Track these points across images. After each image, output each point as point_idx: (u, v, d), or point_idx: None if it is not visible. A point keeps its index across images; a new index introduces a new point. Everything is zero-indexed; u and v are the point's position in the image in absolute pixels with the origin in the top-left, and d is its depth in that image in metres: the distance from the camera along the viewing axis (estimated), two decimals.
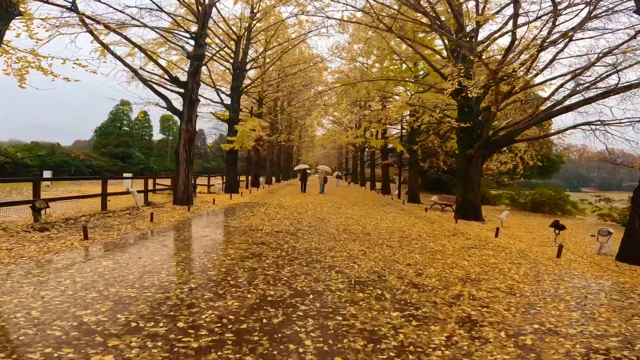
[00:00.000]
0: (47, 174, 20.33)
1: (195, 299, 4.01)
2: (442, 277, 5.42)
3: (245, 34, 21.28)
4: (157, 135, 57.79)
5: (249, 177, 24.25)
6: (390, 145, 29.12)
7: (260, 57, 24.06)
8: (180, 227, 8.51)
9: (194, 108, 12.74)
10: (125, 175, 20.48)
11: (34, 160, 29.86)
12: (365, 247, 7.17)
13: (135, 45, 12.07)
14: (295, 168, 40.70)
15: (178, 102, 13.70)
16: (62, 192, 17.02)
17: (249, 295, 4.22)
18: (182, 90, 12.94)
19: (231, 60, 20.92)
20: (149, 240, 6.97)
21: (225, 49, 21.63)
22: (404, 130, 24.17)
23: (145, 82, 12.44)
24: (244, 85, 21.08)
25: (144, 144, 47.42)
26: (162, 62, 17.38)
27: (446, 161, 22.29)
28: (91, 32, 11.17)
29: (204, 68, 22.29)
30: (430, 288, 4.85)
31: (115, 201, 12.69)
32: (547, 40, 8.45)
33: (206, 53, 15.36)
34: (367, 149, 41.12)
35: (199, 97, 22.02)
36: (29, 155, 30.16)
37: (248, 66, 22.19)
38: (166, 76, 13.26)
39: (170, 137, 59.37)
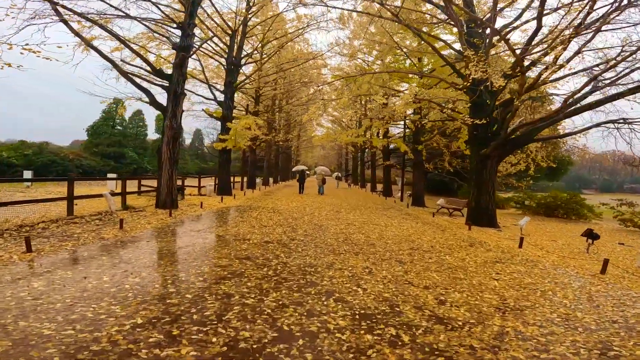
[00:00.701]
0: (27, 174, 19.13)
1: (134, 343, 2.86)
2: (471, 305, 4.26)
3: (241, 27, 20.17)
4: (152, 135, 56.70)
5: (244, 178, 23.04)
6: (392, 146, 27.99)
7: (256, 52, 22.95)
8: (154, 236, 7.33)
9: (179, 103, 11.58)
10: (109, 175, 19.30)
11: (20, 159, 28.66)
12: (371, 263, 5.99)
13: (109, 32, 10.90)
14: (294, 169, 39.54)
15: (163, 97, 12.57)
16: (42, 193, 15.84)
17: (215, 340, 3.06)
18: (167, 84, 11.77)
19: (225, 55, 19.81)
20: (109, 253, 5.78)
21: (219, 43, 20.57)
22: (407, 130, 23.02)
23: (124, 74, 11.27)
24: (238, 81, 19.94)
25: (138, 143, 46.13)
26: (152, 57, 16.36)
27: (451, 162, 21.17)
28: (64, 22, 10.05)
29: (197, 64, 21.27)
30: (460, 323, 3.68)
31: (92, 204, 11.51)
32: (582, 25, 7.30)
33: (195, 44, 14.22)
34: (367, 150, 40.06)
35: (186, 91, 21.15)
36: (15, 154, 28.95)
37: (243, 61, 21.06)
38: (149, 69, 12.09)
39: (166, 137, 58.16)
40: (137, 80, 12.04)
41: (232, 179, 24.97)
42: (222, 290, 4.31)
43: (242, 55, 20.65)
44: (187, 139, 68.11)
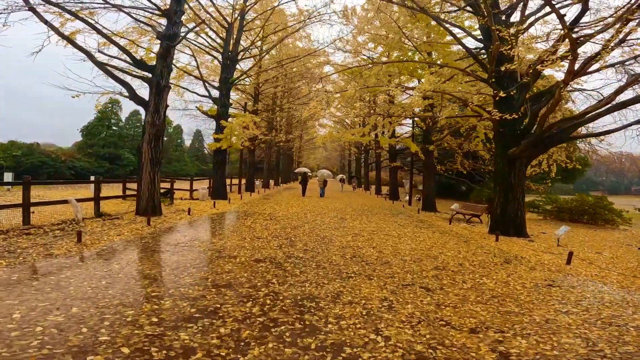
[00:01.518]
0: (7, 176, 17.87)
1: None
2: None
3: (238, 21, 18.92)
4: None
5: (241, 181, 21.72)
6: (398, 146, 26.60)
7: (253, 46, 21.67)
8: (117, 253, 5.97)
9: (162, 97, 10.27)
10: (92, 178, 17.99)
11: (8, 160, 27.49)
12: (390, 292, 4.61)
13: (78, 18, 9.59)
14: (296, 171, 38.26)
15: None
16: (18, 197, 14.55)
17: None
18: (150, 76, 10.48)
19: (221, 50, 18.56)
20: (44, 277, 4.43)
21: (215, 38, 19.33)
22: (416, 129, 21.63)
23: (100, 66, 9.97)
24: (235, 77, 18.65)
25: (135, 144, 45.01)
26: (141, 52, 15.13)
27: (463, 163, 19.75)
28: (32, 9, 8.79)
29: (192, 61, 20.03)
30: None
31: (64, 211, 10.20)
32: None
33: (182, 33, 12.93)
34: (371, 150, 38.66)
35: (181, 89, 19.89)
36: (3, 155, 27.80)
37: (240, 56, 19.78)
38: (130, 60, 10.78)
39: (165, 138, 57.13)
40: (116, 72, 10.77)
41: (229, 181, 23.70)
42: (180, 340, 2.95)
43: (239, 50, 19.41)
44: (187, 140, 67.10)
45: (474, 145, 16.18)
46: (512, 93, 9.41)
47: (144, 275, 4.81)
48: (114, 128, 41.74)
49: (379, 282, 5.01)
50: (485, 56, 11.11)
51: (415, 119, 17.23)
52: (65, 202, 8.25)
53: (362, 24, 19.79)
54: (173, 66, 19.04)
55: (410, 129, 21.26)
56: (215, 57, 19.71)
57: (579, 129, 9.93)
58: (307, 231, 9.00)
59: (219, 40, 19.08)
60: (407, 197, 22.86)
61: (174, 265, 5.37)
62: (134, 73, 11.32)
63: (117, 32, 13.20)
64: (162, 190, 14.32)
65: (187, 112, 27.03)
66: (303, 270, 5.43)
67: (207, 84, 18.73)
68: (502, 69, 9.02)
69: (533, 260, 7.02)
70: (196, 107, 17.52)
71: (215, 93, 18.60)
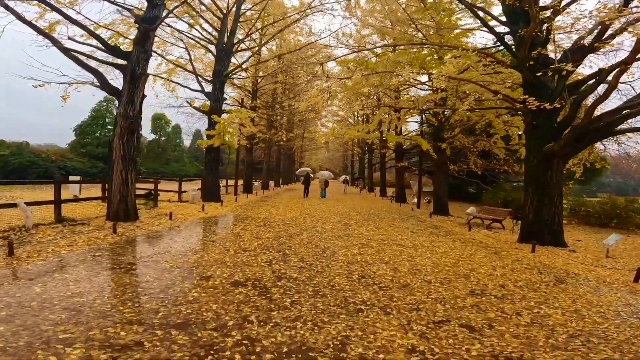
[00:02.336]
0: None
1: None
2: None
3: (234, 10, 17.64)
4: (149, 136, 54.52)
5: (237, 182, 20.36)
6: (405, 145, 25.17)
7: (249, 39, 20.35)
8: (53, 270, 4.60)
9: (138, 85, 8.95)
10: (72, 178, 16.78)
11: None
12: (418, 337, 3.21)
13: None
14: (297, 171, 36.90)
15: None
16: None
17: None
18: (125, 63, 9.15)
19: (215, 42, 17.27)
20: None
21: (210, 29, 18.06)
22: (425, 126, 20.21)
23: (66, 52, 8.64)
24: (230, 70, 17.32)
25: None
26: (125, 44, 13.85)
27: (477, 163, 18.29)
28: None
29: (183, 52, 18.74)
30: None
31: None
32: None
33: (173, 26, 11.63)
34: (375, 150, 37.25)
35: (174, 84, 18.55)
36: None
37: (235, 48, 18.46)
38: (103, 47, 9.45)
39: (163, 138, 55.96)
40: (88, 61, 9.47)
41: (225, 182, 22.36)
42: None
43: (235, 42, 18.09)
44: (187, 140, 65.85)
45: (492, 143, 14.72)
46: (547, 77, 8.01)
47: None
48: (109, 127, 40.50)
49: (400, 319, 3.61)
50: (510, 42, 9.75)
51: (426, 114, 15.80)
52: (14, 205, 6.90)
53: (365, 17, 18.49)
54: (165, 60, 17.97)
55: (418, 127, 19.84)
56: (208, 50, 18.41)
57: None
58: (305, 241, 7.60)
59: (214, 33, 17.81)
60: (416, 200, 21.43)
61: (119, 290, 3.99)
62: (110, 61, 10.00)
63: (98, 22, 11.98)
64: (144, 192, 13.01)
65: (183, 110, 25.75)
66: (296, 299, 4.03)
67: (200, 78, 17.42)
68: (535, 53, 7.66)
69: (591, 277, 5.59)
70: (187, 101, 16.18)
71: (210, 88, 17.30)
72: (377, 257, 6.42)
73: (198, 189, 14.74)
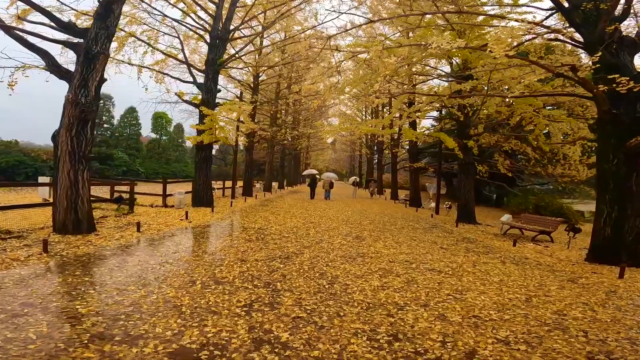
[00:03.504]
0: None
1: None
2: None
3: None
4: (149, 134, 53.02)
5: (235, 184, 18.53)
6: (420, 144, 23.11)
7: (247, 25, 18.50)
8: None
9: (94, 67, 7.12)
10: (41, 179, 15.12)
11: None
12: None
13: None
14: (304, 173, 35.07)
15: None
16: None
17: None
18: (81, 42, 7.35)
19: (209, 28, 15.47)
20: None
21: (202, 14, 16.27)
22: (443, 122, 18.17)
23: (7, 30, 6.85)
24: (224, 58, 15.48)
25: (131, 143, 42.39)
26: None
27: (504, 164, 16.20)
28: None
29: (173, 40, 16.94)
30: None
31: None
32: None
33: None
34: (386, 150, 35.24)
35: (166, 77, 16.73)
36: None
37: (232, 35, 16.61)
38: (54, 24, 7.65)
39: (164, 137, 54.48)
40: (36, 40, 7.66)
41: (222, 184, 20.57)
42: None
43: (231, 29, 16.26)
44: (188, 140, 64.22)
45: (533, 140, 12.66)
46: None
47: None
48: (106, 125, 39.12)
49: None
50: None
51: (449, 107, 13.77)
52: None
53: (376, 5, 16.58)
54: (152, 47, 16.12)
55: (438, 123, 17.81)
56: (202, 37, 16.60)
57: None
58: (306, 266, 5.69)
59: (210, 20, 16.00)
60: (433, 204, 19.38)
61: None
62: (62, 40, 8.18)
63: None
64: (117, 195, 11.24)
65: (178, 107, 24.05)
66: None
67: (193, 69, 15.61)
68: (611, 29, 5.69)
69: None
70: (175, 93, 14.36)
71: (201, 78, 15.49)
72: (409, 294, 4.48)
73: (186, 193, 12.88)
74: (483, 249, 8.19)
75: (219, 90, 15.54)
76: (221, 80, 24.84)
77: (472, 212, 13.52)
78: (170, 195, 12.57)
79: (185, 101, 14.33)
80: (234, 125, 16.91)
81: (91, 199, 10.90)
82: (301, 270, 5.39)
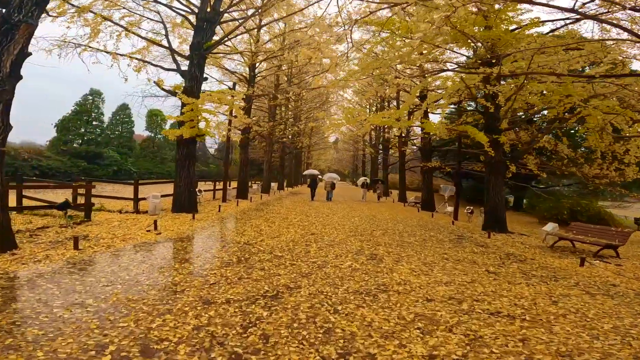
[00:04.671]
0: None
1: None
2: None
3: None
4: (143, 132, 51.20)
5: (227, 185, 16.58)
6: (435, 141, 21.06)
7: (236, 6, 16.54)
8: None
9: (12, 38, 5.21)
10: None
11: None
12: None
13: None
14: (304, 173, 33.16)
15: None
16: None
17: None
18: None
19: (196, 10, 13.51)
20: None
21: None
22: (465, 115, 16.15)
23: None
24: (212, 42, 13.49)
25: (123, 142, 40.52)
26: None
27: (537, 163, 14.18)
28: None
29: (157, 26, 14.96)
30: None
31: None
32: None
33: None
34: (393, 148, 33.22)
35: (151, 66, 14.74)
36: None
37: (222, 18, 14.63)
38: None
39: (159, 136, 52.58)
40: None
41: (212, 186, 18.62)
42: None
43: (221, 10, 14.29)
44: None
45: (600, 136, 10.69)
46: None
47: None
48: (95, 123, 37.22)
49: None
50: None
51: (479, 97, 11.77)
52: None
53: None
54: (126, 30, 14.04)
55: (444, 119, 15.81)
56: (187, 19, 14.61)
57: None
58: (303, 314, 3.71)
59: (196, 2, 14.03)
60: (448, 208, 17.38)
61: None
62: None
63: None
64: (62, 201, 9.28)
65: (169, 101, 22.09)
66: None
67: (176, 55, 13.63)
68: None
69: None
70: (154, 82, 12.37)
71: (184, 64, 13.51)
72: None
73: (162, 196, 10.90)
74: (543, 271, 6.19)
75: (206, 79, 13.57)
76: (215, 73, 23.02)
77: (502, 219, 11.51)
78: (144, 199, 10.60)
79: (164, 89, 12.34)
80: (223, 118, 14.99)
81: (39, 204, 8.93)
82: (295, 325, 3.42)
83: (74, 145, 33.78)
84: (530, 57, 9.12)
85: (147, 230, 7.71)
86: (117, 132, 40.49)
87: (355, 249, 7.26)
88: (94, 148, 34.68)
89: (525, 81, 10.12)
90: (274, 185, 29.54)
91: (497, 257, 7.33)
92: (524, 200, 24.73)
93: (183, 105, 11.07)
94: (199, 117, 10.76)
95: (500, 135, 11.15)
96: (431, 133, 13.19)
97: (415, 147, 34.47)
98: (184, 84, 12.34)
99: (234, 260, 5.77)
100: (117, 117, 40.86)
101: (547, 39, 9.60)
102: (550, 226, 9.84)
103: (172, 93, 11.76)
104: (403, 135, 27.16)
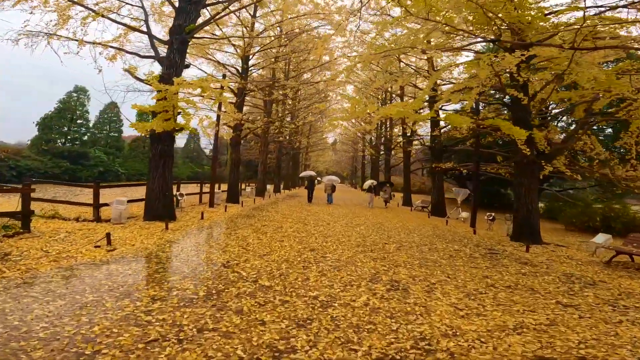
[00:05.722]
0: None
1: None
2: None
3: None
4: (132, 132, 49.37)
5: (214, 188, 14.84)
6: (439, 140, 19.37)
7: None
8: None
9: None
10: None
11: None
12: None
13: None
14: (302, 174, 31.48)
15: None
16: None
17: None
18: None
19: None
20: None
21: None
22: (486, 108, 14.49)
23: None
24: (195, 25, 11.75)
25: (111, 141, 38.67)
26: None
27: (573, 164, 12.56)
28: None
29: (135, 10, 13.21)
30: None
31: None
32: None
33: None
34: (395, 148, 31.59)
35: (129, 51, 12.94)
36: None
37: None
38: None
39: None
40: None
41: (199, 188, 16.85)
42: None
43: None
44: (181, 139, 60.91)
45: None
46: None
47: None
48: (80, 121, 35.33)
49: None
50: None
51: (508, 88, 10.10)
52: None
53: None
54: (94, 12, 12.17)
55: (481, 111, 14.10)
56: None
57: None
58: None
59: None
60: (463, 214, 15.72)
61: None
62: None
63: None
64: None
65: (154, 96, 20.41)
66: None
67: (155, 41, 11.85)
68: None
69: None
70: (126, 69, 10.57)
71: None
72: None
73: (128, 201, 9.10)
74: (631, 299, 4.51)
75: (188, 66, 11.79)
76: (206, 67, 21.34)
77: (536, 229, 9.83)
78: (106, 205, 8.82)
79: (137, 78, 10.56)
80: (209, 111, 13.27)
81: None
82: None
83: (57, 144, 31.85)
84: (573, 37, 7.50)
85: (96, 246, 5.96)
86: (104, 131, 38.64)
87: (369, 272, 5.54)
88: (78, 148, 32.82)
89: (567, 69, 8.45)
90: (270, 187, 27.83)
91: (557, 279, 5.64)
92: (539, 205, 23.09)
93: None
94: (175, 108, 9.01)
95: (534, 131, 9.48)
96: (461, 125, 11.37)
97: (420, 147, 32.77)
98: (161, 72, 10.60)
99: (200, 295, 4.06)
100: (105, 116, 39.02)
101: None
102: (601, 238, 8.17)
103: (145, 82, 10.00)
104: (408, 134, 25.57)
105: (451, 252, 7.70)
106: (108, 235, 6.21)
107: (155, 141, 9.60)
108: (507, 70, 9.10)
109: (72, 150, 31.42)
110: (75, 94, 33.51)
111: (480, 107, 14.01)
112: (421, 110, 14.57)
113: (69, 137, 32.32)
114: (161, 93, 8.77)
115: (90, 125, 36.58)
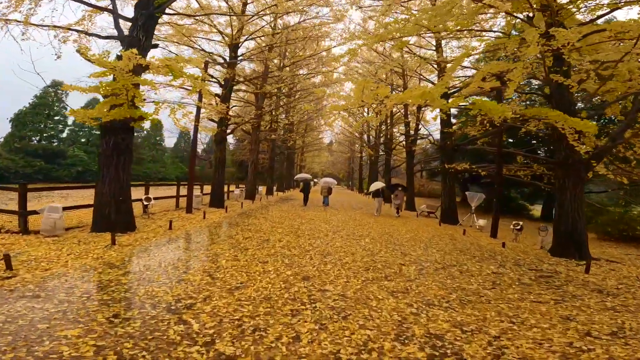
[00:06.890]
0: None
1: None
2: None
3: None
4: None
5: (193, 192, 12.90)
6: (451, 139, 17.57)
7: None
8: None
9: None
10: None
11: None
12: None
13: None
14: (297, 177, 29.65)
15: None
16: None
17: None
18: None
19: None
20: None
21: None
22: (523, 97, 12.72)
23: None
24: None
25: (94, 139, 36.49)
26: None
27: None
28: None
29: None
30: None
31: None
32: None
33: None
34: (395, 148, 29.83)
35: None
36: None
37: None
38: None
39: (138, 132, 48.57)
40: None
41: (175, 191, 14.88)
42: None
43: None
44: (171, 138, 58.72)
45: None
46: None
47: None
48: (57, 118, 33.16)
49: None
50: None
51: (542, 76, 8.35)
52: None
53: None
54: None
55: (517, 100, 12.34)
56: None
57: None
58: None
59: None
60: (479, 222, 13.90)
61: None
62: None
63: None
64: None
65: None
66: None
67: (121, 19, 9.88)
68: None
69: None
70: (76, 50, 8.56)
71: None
72: None
73: (63, 208, 7.13)
74: None
75: (155, 46, 9.81)
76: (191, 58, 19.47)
77: (584, 242, 8.02)
78: (36, 212, 6.85)
79: (87, 59, 8.56)
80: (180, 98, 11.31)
81: None
82: None
83: (32, 142, 29.68)
84: None
85: None
86: (85, 129, 36.49)
87: (391, 319, 3.68)
88: (54, 146, 30.68)
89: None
90: (262, 189, 25.92)
91: None
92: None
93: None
94: (129, 92, 7.09)
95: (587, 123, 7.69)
96: (504, 115, 9.53)
97: (425, 147, 31.00)
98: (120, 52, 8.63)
99: None
100: None
101: None
102: None
103: (91, 60, 8.01)
104: (411, 133, 23.83)
105: (490, 276, 5.87)
106: (7, 256, 4.28)
107: (107, 133, 7.66)
108: (553, 50, 7.30)
109: (47, 148, 29.30)
110: (52, 89, 31.37)
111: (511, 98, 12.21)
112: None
113: (44, 134, 30.14)
114: (107, 71, 6.87)
115: (69, 122, 34.42)
